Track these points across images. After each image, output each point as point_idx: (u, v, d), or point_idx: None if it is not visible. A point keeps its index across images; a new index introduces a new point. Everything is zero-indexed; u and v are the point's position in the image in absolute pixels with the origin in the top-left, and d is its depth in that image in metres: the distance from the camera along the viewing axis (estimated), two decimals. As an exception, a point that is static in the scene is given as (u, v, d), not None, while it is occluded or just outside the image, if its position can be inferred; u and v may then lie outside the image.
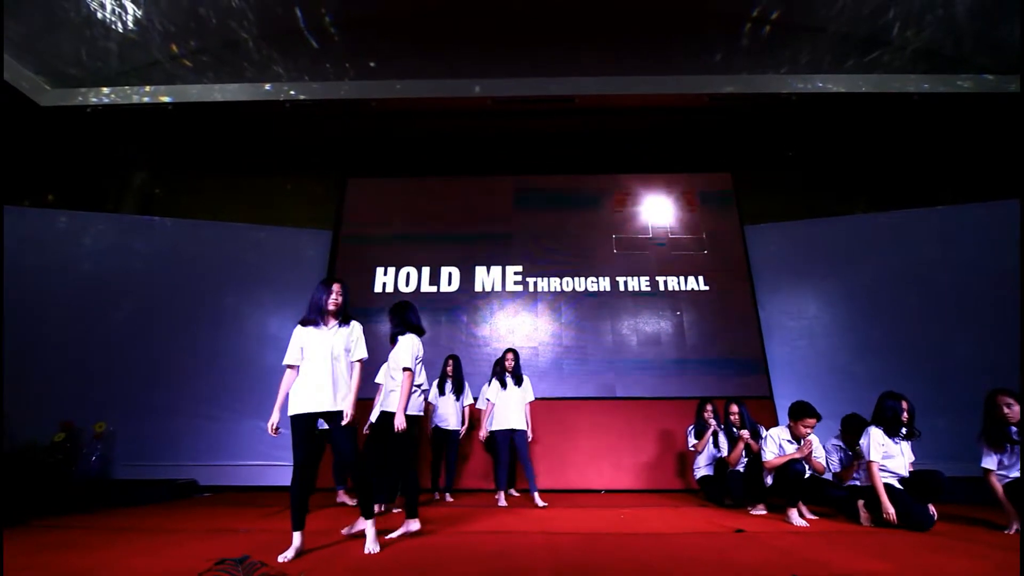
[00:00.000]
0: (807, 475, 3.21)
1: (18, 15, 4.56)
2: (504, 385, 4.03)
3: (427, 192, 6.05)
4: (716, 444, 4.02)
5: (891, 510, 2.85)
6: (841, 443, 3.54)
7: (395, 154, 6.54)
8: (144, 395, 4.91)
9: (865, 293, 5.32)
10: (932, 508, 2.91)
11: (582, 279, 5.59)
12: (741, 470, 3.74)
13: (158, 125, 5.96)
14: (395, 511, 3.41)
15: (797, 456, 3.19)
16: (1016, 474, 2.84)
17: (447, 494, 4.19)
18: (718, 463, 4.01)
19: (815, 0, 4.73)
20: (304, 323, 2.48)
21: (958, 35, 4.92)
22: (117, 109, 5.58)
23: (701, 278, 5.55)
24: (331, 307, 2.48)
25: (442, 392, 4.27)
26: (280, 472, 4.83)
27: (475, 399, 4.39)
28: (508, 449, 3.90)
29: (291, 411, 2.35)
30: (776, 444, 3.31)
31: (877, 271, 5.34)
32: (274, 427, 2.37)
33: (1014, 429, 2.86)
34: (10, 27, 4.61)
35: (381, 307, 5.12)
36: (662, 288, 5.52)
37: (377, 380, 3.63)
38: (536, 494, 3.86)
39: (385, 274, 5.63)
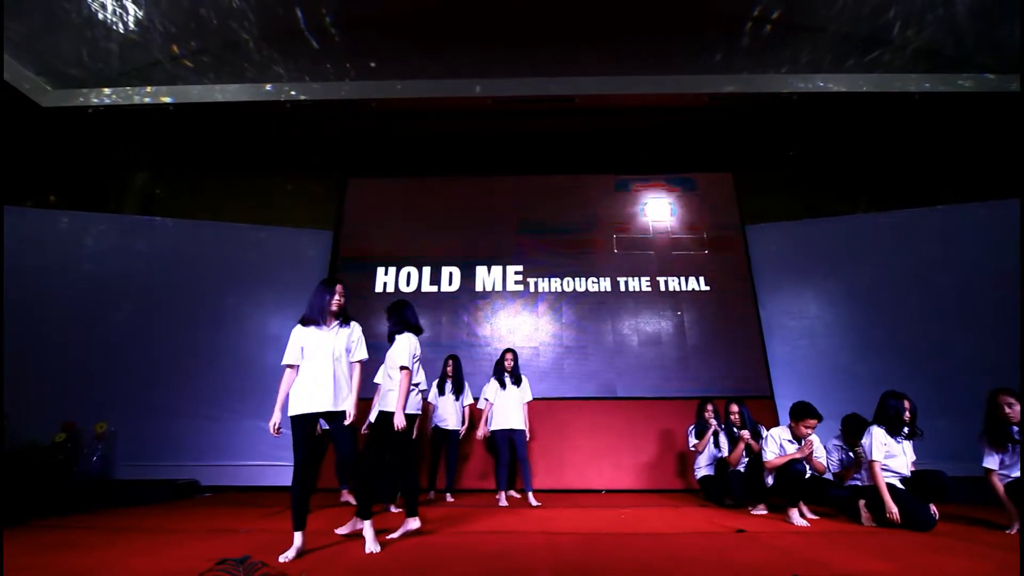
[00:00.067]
0: (808, 475, 3.21)
1: (18, 15, 4.56)
2: (503, 385, 4.04)
3: (427, 192, 6.05)
4: (717, 444, 4.02)
5: (895, 509, 2.84)
6: (842, 443, 3.54)
7: (395, 154, 6.54)
8: (145, 395, 4.91)
9: (866, 293, 5.31)
10: (934, 508, 2.90)
11: (583, 279, 5.58)
12: (742, 470, 3.74)
13: (159, 126, 5.97)
14: (394, 510, 3.41)
15: (798, 456, 3.19)
16: (1017, 474, 2.84)
17: (447, 494, 4.19)
18: (719, 463, 4.00)
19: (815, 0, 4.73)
20: (304, 323, 2.48)
21: (959, 34, 4.92)
22: (118, 110, 5.58)
23: (702, 278, 5.54)
24: (334, 308, 2.49)
25: (442, 392, 4.26)
26: (281, 472, 4.83)
27: (475, 399, 4.39)
28: (508, 449, 3.91)
29: (292, 411, 2.35)
30: (777, 444, 3.31)
31: (878, 271, 5.33)
32: (276, 427, 2.37)
33: (1015, 429, 2.86)
34: (10, 27, 4.62)
35: (382, 307, 5.12)
36: (663, 288, 5.52)
37: (375, 380, 3.63)
38: (530, 493, 3.86)
39: (386, 274, 5.63)
